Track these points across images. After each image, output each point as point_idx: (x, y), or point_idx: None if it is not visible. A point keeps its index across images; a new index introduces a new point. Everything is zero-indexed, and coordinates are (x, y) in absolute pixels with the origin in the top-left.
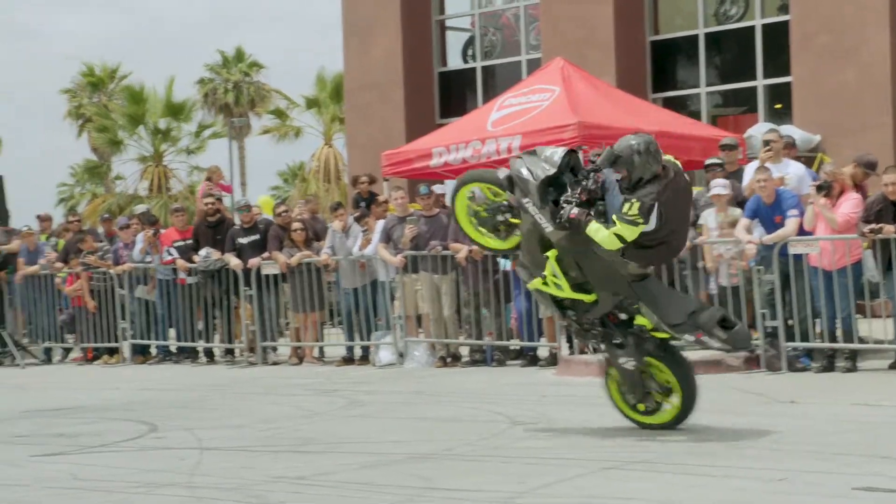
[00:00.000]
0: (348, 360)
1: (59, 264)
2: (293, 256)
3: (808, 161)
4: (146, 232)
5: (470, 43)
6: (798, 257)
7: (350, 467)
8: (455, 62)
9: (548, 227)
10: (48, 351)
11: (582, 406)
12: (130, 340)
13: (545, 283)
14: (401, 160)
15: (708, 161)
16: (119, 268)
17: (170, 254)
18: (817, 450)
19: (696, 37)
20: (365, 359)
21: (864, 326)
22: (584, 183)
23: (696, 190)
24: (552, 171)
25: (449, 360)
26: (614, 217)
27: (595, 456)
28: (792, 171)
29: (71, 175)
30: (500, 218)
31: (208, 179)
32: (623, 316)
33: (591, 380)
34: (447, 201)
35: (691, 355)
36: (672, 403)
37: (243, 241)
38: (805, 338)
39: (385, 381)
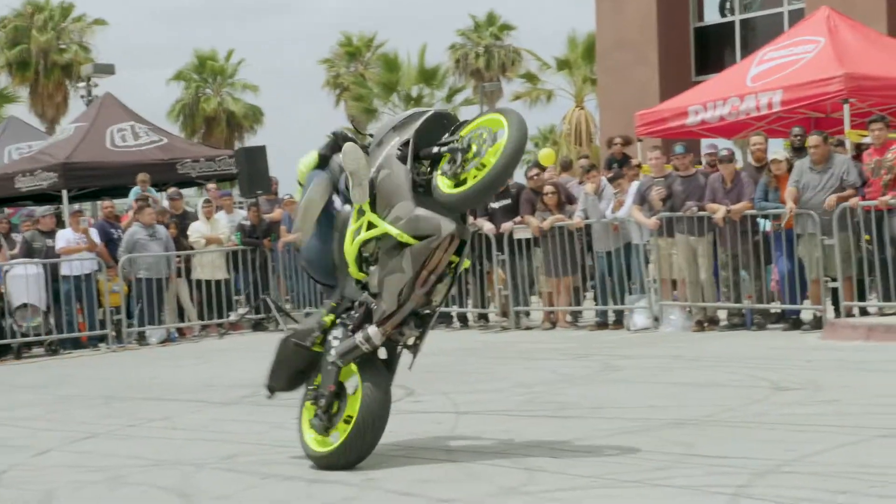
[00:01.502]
0: (602, 324)
1: None
2: (545, 220)
3: None
4: None
5: None
6: None
7: (608, 433)
8: (712, 17)
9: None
10: (309, 315)
11: (850, 371)
12: None
13: None
14: (655, 120)
15: None
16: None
17: None
18: None
19: None
20: (619, 323)
21: None
22: None
23: None
24: None
25: (706, 324)
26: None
27: (868, 423)
28: None
29: None
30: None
31: None
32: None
33: (859, 343)
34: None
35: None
36: None
37: (495, 205)
38: None
39: (640, 345)
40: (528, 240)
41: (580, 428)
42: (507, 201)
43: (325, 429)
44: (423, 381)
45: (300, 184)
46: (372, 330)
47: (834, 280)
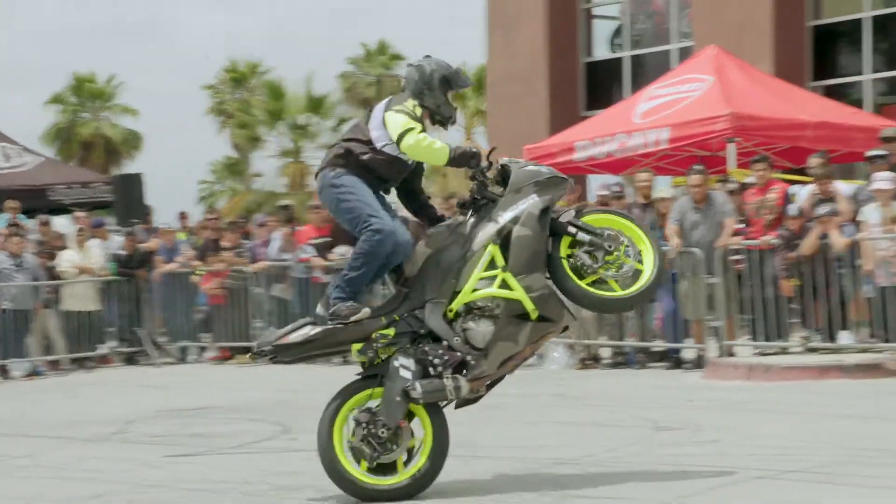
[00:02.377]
0: None
1: (196, 262)
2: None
3: None
4: (283, 229)
5: (618, 32)
6: None
7: (485, 474)
8: (602, 52)
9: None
10: (184, 350)
11: (732, 411)
12: None
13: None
14: (543, 154)
15: (870, 153)
16: (256, 266)
17: (305, 252)
18: None
19: (860, 21)
20: None
21: None
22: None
23: (856, 184)
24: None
25: (589, 361)
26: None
27: (747, 464)
28: None
29: (211, 172)
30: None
31: None
32: None
33: (739, 383)
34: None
35: (849, 358)
36: None
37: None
38: None
39: (523, 382)
40: None
41: (455, 469)
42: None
43: (374, 460)
44: (300, 418)
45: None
46: (464, 383)
47: (716, 319)
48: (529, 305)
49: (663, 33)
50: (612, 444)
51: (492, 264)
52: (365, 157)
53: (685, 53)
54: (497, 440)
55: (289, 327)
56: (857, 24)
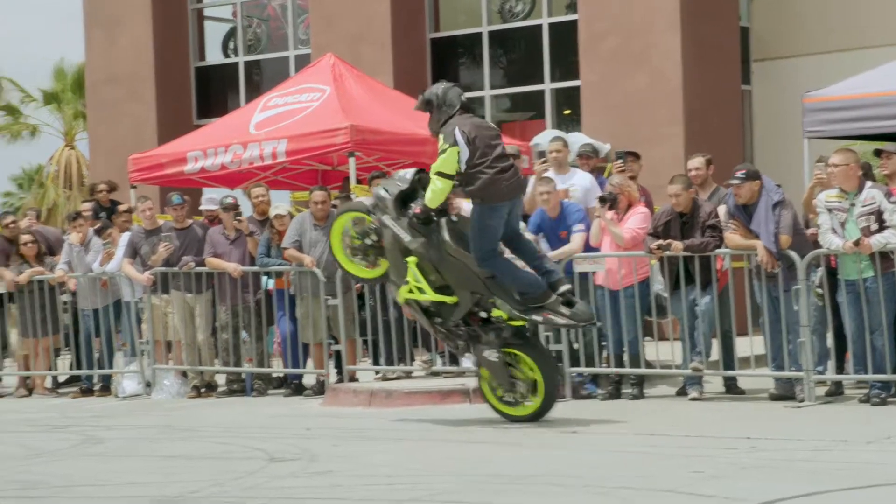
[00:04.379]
0: (87, 390)
1: None
2: (22, 273)
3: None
4: None
5: (231, 35)
6: (585, 276)
7: None
8: (215, 56)
9: (406, 237)
10: None
11: (349, 440)
12: None
13: (410, 291)
14: (151, 165)
15: None
16: None
17: None
18: (596, 483)
19: (479, 35)
20: (106, 389)
21: (652, 350)
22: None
23: None
24: (404, 186)
25: (203, 389)
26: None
27: (362, 495)
28: (578, 182)
29: None
30: (368, 241)
31: None
32: (483, 314)
33: (360, 410)
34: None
35: (472, 382)
36: (534, 399)
37: None
38: (591, 363)
39: (129, 414)
40: (1, 295)
41: None
42: None
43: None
44: None
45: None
46: None
47: (337, 342)
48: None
49: (280, 39)
50: (220, 479)
51: None
52: None
53: (303, 61)
54: (92, 477)
55: None
56: (476, 38)
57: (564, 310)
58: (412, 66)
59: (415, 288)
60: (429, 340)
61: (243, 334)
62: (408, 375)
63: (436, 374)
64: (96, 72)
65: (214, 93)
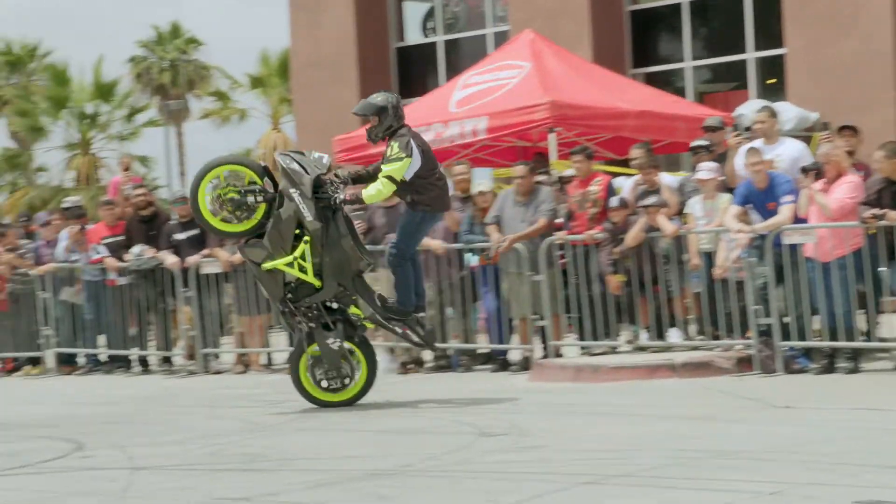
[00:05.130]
0: None
1: None
2: (236, 253)
3: (805, 141)
4: (71, 228)
5: (430, 15)
6: (793, 248)
7: (300, 486)
8: (414, 36)
9: (308, 217)
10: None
11: (557, 414)
12: (55, 349)
13: (290, 265)
14: (355, 145)
15: (693, 143)
16: (41, 268)
17: (98, 252)
18: (814, 459)
19: (679, 6)
20: None
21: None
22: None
23: (681, 175)
24: (322, 171)
25: (411, 365)
26: (381, 166)
27: (572, 469)
28: (785, 153)
29: None
30: (250, 199)
31: (126, 170)
32: (334, 305)
33: (566, 385)
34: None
35: (679, 356)
36: (356, 384)
37: (180, 236)
38: (802, 336)
39: None
40: (217, 274)
41: (269, 482)
42: (194, 232)
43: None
44: (94, 434)
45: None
46: None
47: (542, 318)
48: None
49: (478, 17)
50: (433, 452)
51: None
52: None
53: (501, 38)
54: (309, 450)
55: None
56: (675, 9)
57: (419, 330)
58: (611, 39)
59: (297, 265)
60: (634, 315)
61: (449, 311)
62: (613, 350)
63: (642, 348)
64: (301, 56)
65: (414, 72)
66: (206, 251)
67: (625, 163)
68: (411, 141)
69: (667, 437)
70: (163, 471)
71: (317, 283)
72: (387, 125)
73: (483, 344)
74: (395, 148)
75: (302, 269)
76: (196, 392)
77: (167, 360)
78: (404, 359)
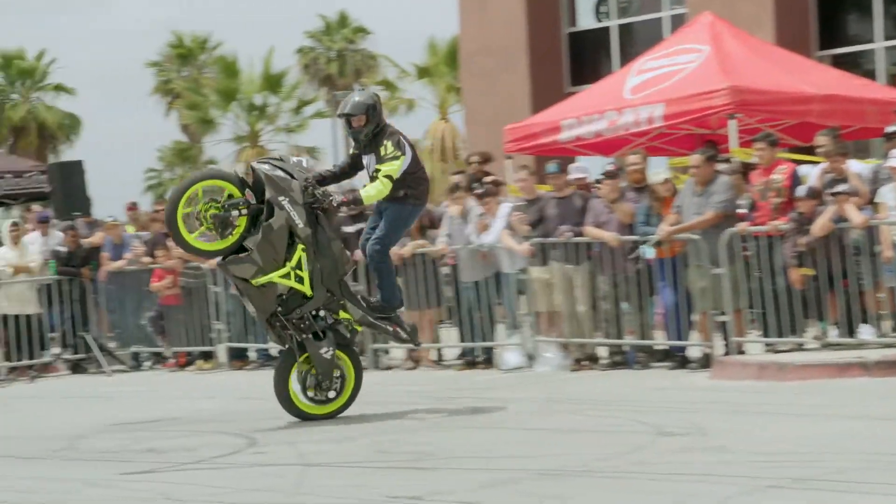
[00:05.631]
0: (470, 363)
1: (146, 259)
2: (406, 246)
3: None
4: None
5: None
6: None
7: (471, 485)
8: (586, 21)
9: (300, 224)
10: (136, 356)
11: (740, 414)
12: (227, 343)
13: (287, 277)
14: (526, 135)
15: (889, 128)
16: (212, 262)
17: None
18: None
19: None
20: (489, 362)
21: None
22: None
23: (870, 162)
24: (307, 175)
25: (585, 362)
26: (376, 167)
27: (755, 472)
28: None
29: (159, 159)
30: (233, 214)
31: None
32: (321, 312)
33: (749, 384)
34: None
35: (872, 354)
36: (339, 401)
37: (350, 230)
38: None
39: (512, 386)
40: None
41: (440, 480)
42: (361, 225)
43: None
44: (266, 430)
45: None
46: None
47: (723, 313)
48: None
49: (653, 0)
50: (608, 453)
51: None
52: None
53: (677, 21)
54: (478, 449)
55: None
56: None
57: (406, 327)
58: (795, 20)
59: (294, 275)
60: (822, 311)
61: (624, 305)
62: (799, 348)
63: (830, 346)
64: (470, 43)
65: (587, 59)
66: None
67: (810, 150)
68: (402, 138)
69: (857, 439)
70: (333, 468)
71: (309, 291)
72: (374, 124)
73: (660, 340)
74: (389, 147)
75: (298, 279)
76: (365, 388)
77: None
78: (577, 355)
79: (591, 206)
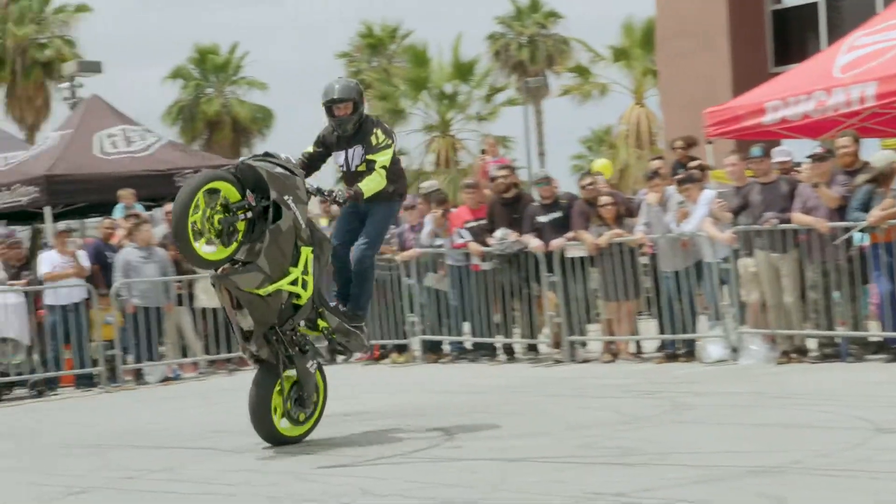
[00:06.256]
0: (670, 356)
1: None
2: (602, 235)
3: None
4: (434, 212)
5: None
6: None
7: (678, 482)
8: None
9: (303, 224)
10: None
11: None
12: (420, 336)
13: (294, 283)
14: (727, 118)
15: None
16: (405, 254)
17: (461, 236)
18: None
19: None
20: (691, 355)
21: None
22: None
23: None
24: (299, 171)
25: (793, 354)
26: (370, 157)
27: None
28: None
29: None
30: (240, 217)
31: (483, 152)
32: (302, 323)
33: None
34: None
35: None
36: (312, 418)
37: (544, 219)
38: None
39: (716, 380)
40: (582, 258)
41: (646, 477)
42: (558, 214)
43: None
44: (462, 424)
45: None
46: None
47: None
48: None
49: None
50: (824, 449)
51: None
52: None
53: None
54: (685, 445)
55: None
56: None
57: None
58: None
59: (301, 281)
60: None
61: (835, 295)
62: None
63: None
64: (666, 24)
65: (793, 37)
66: (570, 234)
67: None
68: (387, 126)
69: None
70: (532, 463)
71: (304, 299)
72: (360, 112)
73: (875, 331)
74: (380, 136)
75: (304, 285)
76: (563, 381)
77: (532, 347)
78: (785, 347)
79: (799, 191)
